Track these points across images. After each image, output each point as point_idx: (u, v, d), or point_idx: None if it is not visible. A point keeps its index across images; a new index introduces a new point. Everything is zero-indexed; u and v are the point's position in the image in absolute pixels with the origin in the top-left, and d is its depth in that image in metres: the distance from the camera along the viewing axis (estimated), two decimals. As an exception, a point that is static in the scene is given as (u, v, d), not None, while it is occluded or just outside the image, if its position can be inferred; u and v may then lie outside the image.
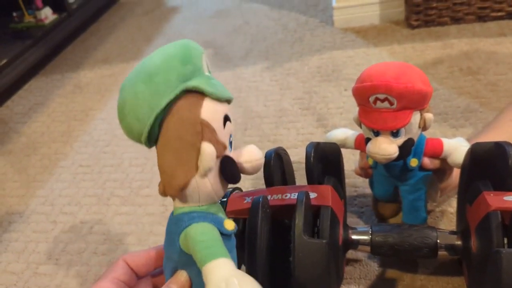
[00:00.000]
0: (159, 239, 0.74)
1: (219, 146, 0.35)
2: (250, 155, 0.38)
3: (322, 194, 0.53)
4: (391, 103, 0.51)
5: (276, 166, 0.59)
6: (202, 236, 0.35)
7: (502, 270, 0.41)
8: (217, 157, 0.35)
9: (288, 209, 0.51)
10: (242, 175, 0.38)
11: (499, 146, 0.51)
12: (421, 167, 0.59)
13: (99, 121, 1.15)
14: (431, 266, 0.62)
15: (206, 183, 0.35)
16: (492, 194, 0.49)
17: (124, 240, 0.78)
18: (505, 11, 1.16)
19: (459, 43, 1.13)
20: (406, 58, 1.11)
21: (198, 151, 0.34)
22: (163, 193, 0.36)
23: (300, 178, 0.75)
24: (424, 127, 0.55)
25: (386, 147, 0.53)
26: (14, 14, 1.53)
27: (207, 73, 0.36)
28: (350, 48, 1.23)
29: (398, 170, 0.60)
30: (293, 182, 0.66)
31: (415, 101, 0.51)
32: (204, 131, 0.34)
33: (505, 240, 0.46)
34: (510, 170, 0.49)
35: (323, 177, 0.57)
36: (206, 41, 1.46)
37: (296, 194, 0.51)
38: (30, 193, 0.95)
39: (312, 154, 0.56)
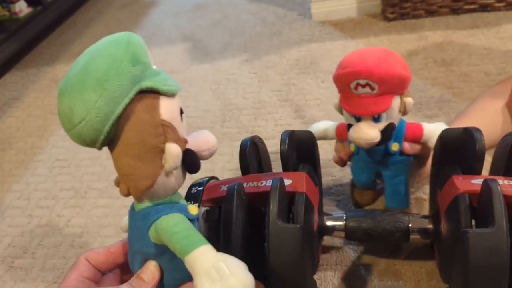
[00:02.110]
0: (137, 231, 0.74)
1: (182, 143, 0.36)
2: (207, 144, 0.38)
3: (296, 181, 0.53)
4: (372, 88, 0.52)
5: (252, 154, 0.59)
6: (176, 227, 0.35)
7: (469, 250, 0.42)
8: None
9: (264, 196, 0.51)
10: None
11: (467, 132, 0.53)
12: (402, 152, 0.61)
13: (76, 115, 1.13)
14: (405, 251, 0.64)
15: (171, 179, 0.36)
16: (460, 178, 0.50)
17: (102, 232, 0.77)
18: (478, 3, 1.19)
19: (433, 35, 1.15)
20: (382, 50, 1.13)
21: (161, 152, 0.34)
22: (127, 194, 0.36)
23: (278, 168, 0.75)
24: (404, 111, 0.56)
25: (368, 132, 0.54)
26: (-13, 7, 1.50)
27: (154, 67, 0.36)
28: (328, 40, 1.24)
29: (380, 155, 0.61)
30: (270, 170, 0.66)
31: (396, 85, 0.52)
32: (167, 132, 0.34)
33: (473, 222, 0.47)
34: (478, 155, 0.51)
35: (298, 164, 0.58)
36: (185, 34, 1.45)
37: (271, 181, 0.52)
38: (5, 188, 0.93)
39: (287, 142, 0.56)
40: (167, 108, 0.34)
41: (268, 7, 1.52)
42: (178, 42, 1.42)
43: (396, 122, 0.56)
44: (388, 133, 0.56)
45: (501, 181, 0.47)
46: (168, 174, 0.35)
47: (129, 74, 0.33)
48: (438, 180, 0.55)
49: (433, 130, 0.59)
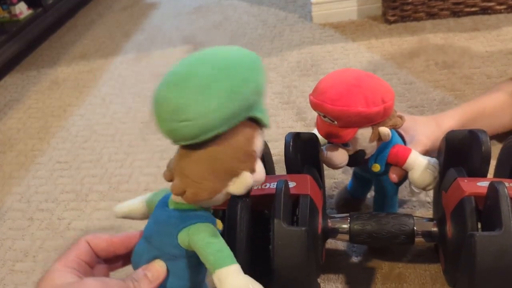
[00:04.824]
0: (139, 234, 0.74)
1: (253, 173, 0.36)
2: (260, 176, 0.38)
3: (301, 183, 0.53)
4: (332, 120, 0.52)
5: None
6: (212, 238, 0.36)
7: (476, 253, 0.42)
8: None
9: (268, 199, 0.51)
10: None
11: (473, 134, 0.52)
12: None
13: (77, 117, 1.13)
14: (409, 254, 0.63)
15: (224, 198, 0.37)
16: (466, 180, 0.50)
17: (103, 235, 0.77)
18: (478, 6, 1.19)
19: (434, 37, 1.15)
20: (383, 53, 1.13)
21: (235, 175, 0.35)
22: (181, 194, 0.35)
23: (281, 171, 0.75)
24: (379, 139, 0.54)
25: (332, 156, 0.55)
26: (-12, 9, 1.50)
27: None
28: (328, 43, 1.24)
29: (367, 171, 0.60)
30: (273, 173, 0.66)
31: (355, 122, 0.51)
32: (251, 161, 0.35)
33: (479, 225, 0.47)
34: (483, 157, 0.51)
35: (302, 166, 0.57)
36: (186, 37, 1.45)
37: (275, 183, 0.52)
38: (6, 190, 0.93)
39: (291, 144, 0.56)
40: (259, 141, 0.36)
41: (269, 9, 1.52)
42: (179, 44, 1.42)
43: (368, 149, 0.55)
44: (357, 159, 0.55)
45: (507, 183, 0.47)
46: (226, 194, 0.36)
47: (249, 101, 0.33)
48: (442, 182, 0.55)
49: (418, 164, 0.55)
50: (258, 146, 0.36)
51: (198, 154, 0.34)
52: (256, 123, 0.35)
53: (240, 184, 0.35)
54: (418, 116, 0.70)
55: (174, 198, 0.38)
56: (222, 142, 0.33)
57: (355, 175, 0.68)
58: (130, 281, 0.36)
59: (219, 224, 0.39)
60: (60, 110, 1.18)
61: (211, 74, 0.32)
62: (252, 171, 0.36)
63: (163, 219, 0.38)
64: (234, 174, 0.35)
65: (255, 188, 0.53)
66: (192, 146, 0.34)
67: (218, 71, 0.32)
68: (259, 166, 0.38)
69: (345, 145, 0.55)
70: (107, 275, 0.39)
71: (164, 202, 0.39)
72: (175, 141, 0.33)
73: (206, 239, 0.35)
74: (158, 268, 0.38)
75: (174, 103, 0.31)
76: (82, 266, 0.38)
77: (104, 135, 1.03)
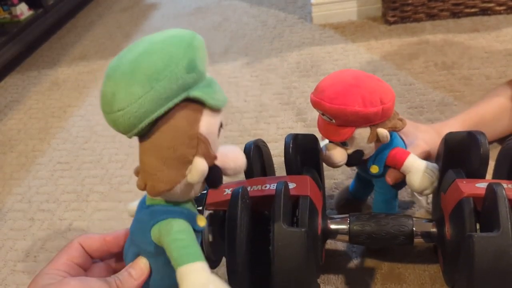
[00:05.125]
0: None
1: (211, 159, 0.35)
2: (235, 162, 0.38)
3: (300, 185, 0.53)
4: (330, 119, 0.52)
5: (256, 158, 0.59)
6: (178, 234, 0.35)
7: (474, 254, 0.42)
8: None
9: (268, 200, 0.51)
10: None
11: (471, 135, 0.53)
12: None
13: (77, 117, 1.13)
14: (408, 254, 0.64)
15: (189, 189, 0.35)
16: (464, 182, 0.50)
17: (104, 236, 0.77)
18: (478, 7, 1.19)
19: (434, 38, 1.15)
20: (383, 53, 1.13)
21: (189, 162, 0.33)
22: (143, 189, 0.35)
23: (281, 171, 0.75)
24: (378, 140, 0.54)
25: (331, 155, 0.55)
26: (-12, 10, 1.51)
27: (208, 75, 0.35)
28: (328, 44, 1.24)
29: (367, 172, 0.61)
30: (273, 174, 0.66)
31: (352, 121, 0.51)
32: (200, 145, 0.34)
33: (477, 226, 0.47)
34: (482, 158, 0.51)
35: (302, 168, 0.58)
36: (186, 37, 1.45)
37: (275, 184, 0.52)
38: (6, 190, 0.93)
39: (291, 145, 0.57)
40: (207, 122, 0.34)
41: (269, 10, 1.53)
42: (179, 45, 1.42)
43: (367, 150, 0.55)
44: (354, 159, 0.56)
45: (505, 185, 0.47)
46: (188, 184, 0.35)
47: (181, 80, 0.32)
48: (441, 183, 0.55)
49: (416, 166, 0.56)
50: (205, 128, 0.34)
51: (145, 144, 0.33)
52: (200, 104, 0.33)
53: (194, 172, 0.33)
54: (419, 124, 0.70)
55: (147, 194, 0.37)
56: (162, 128, 0.32)
57: (358, 176, 0.68)
58: (113, 280, 0.36)
59: (201, 220, 0.37)
60: (60, 111, 1.18)
61: (133, 60, 0.32)
62: (208, 156, 0.34)
63: (139, 216, 0.37)
64: (186, 161, 0.33)
65: (255, 188, 0.54)
66: (141, 137, 0.34)
67: (140, 55, 0.32)
68: (227, 152, 0.37)
69: (343, 144, 0.55)
70: (106, 275, 0.39)
71: (143, 198, 0.38)
72: (122, 132, 0.33)
73: (172, 235, 0.34)
74: (141, 266, 0.37)
75: (109, 95, 0.32)
76: (74, 268, 0.38)
77: (104, 136, 1.03)
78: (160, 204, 0.36)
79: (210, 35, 1.44)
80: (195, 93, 0.33)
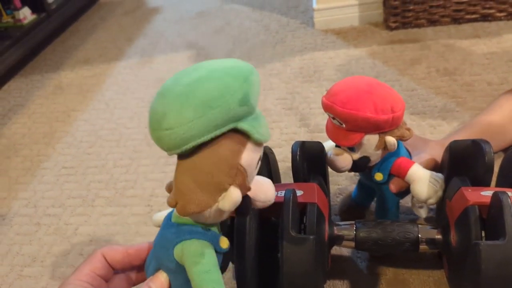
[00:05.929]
0: (145, 239, 0.74)
1: (245, 190, 0.35)
2: (266, 195, 0.38)
3: (308, 192, 0.54)
4: (341, 123, 0.53)
5: (263, 165, 0.60)
6: (201, 257, 0.35)
7: (481, 262, 0.43)
8: None
9: (276, 207, 0.52)
10: None
11: (476, 144, 0.54)
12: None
13: (81, 122, 1.14)
14: (412, 260, 0.65)
15: (218, 214, 0.36)
16: (470, 190, 0.51)
17: (110, 240, 0.78)
18: (479, 13, 1.20)
19: (435, 44, 1.16)
20: (385, 59, 1.14)
21: (224, 190, 0.34)
22: (173, 206, 0.35)
23: (284, 176, 0.76)
24: (385, 148, 0.55)
25: (336, 159, 0.56)
26: (-8, 14, 1.51)
27: (257, 110, 0.35)
28: (330, 49, 1.25)
29: (371, 179, 0.62)
30: (279, 181, 0.67)
31: (362, 127, 0.52)
32: (238, 176, 0.34)
33: (483, 233, 0.48)
34: (487, 166, 0.52)
35: (309, 175, 0.59)
36: (188, 42, 1.46)
37: (283, 192, 0.53)
38: (12, 195, 0.94)
39: (298, 153, 0.57)
40: (249, 155, 0.34)
41: (271, 15, 1.54)
42: (181, 49, 1.43)
43: (374, 157, 0.56)
44: (360, 165, 0.57)
45: (510, 193, 0.48)
46: (218, 210, 0.35)
47: (232, 112, 0.32)
48: (446, 191, 0.56)
49: (419, 176, 0.57)
50: (246, 160, 0.34)
51: (184, 164, 0.34)
52: (246, 136, 0.34)
53: (227, 200, 0.33)
54: (429, 139, 0.71)
55: (175, 211, 0.37)
56: (205, 152, 0.33)
57: (360, 183, 0.69)
58: None
59: (224, 242, 0.38)
60: (64, 115, 1.18)
61: (189, 83, 0.32)
62: (243, 187, 0.34)
63: (164, 233, 0.38)
64: (221, 188, 0.34)
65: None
66: (182, 156, 0.34)
67: (197, 80, 0.32)
68: (260, 184, 0.37)
69: (351, 149, 0.56)
70: (126, 286, 0.40)
71: (170, 214, 0.39)
72: (165, 150, 0.34)
73: (194, 258, 0.35)
74: (162, 280, 0.38)
75: (159, 112, 0.32)
76: (97, 280, 0.38)
77: (108, 141, 1.04)
78: (186, 223, 0.37)
79: (212, 39, 1.45)
80: (243, 125, 0.33)
